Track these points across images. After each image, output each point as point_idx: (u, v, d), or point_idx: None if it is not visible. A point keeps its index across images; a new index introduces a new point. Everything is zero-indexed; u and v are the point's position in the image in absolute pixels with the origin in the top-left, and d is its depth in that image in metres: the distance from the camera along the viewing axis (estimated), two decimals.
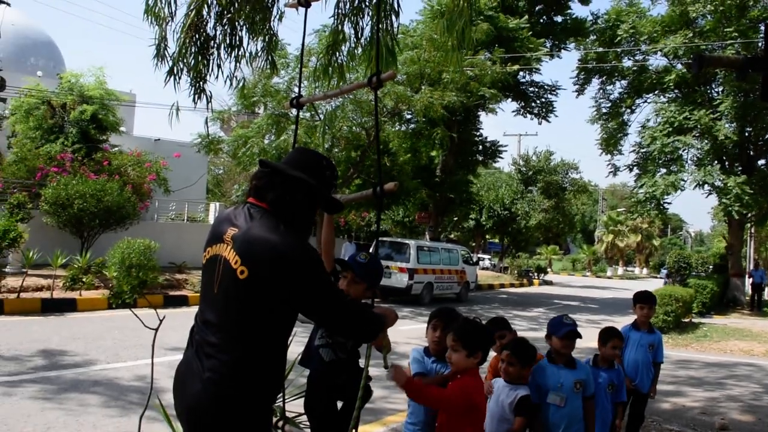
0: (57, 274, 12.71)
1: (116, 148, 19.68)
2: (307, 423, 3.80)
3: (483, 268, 35.13)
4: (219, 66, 4.65)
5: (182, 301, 13.76)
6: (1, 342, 8.44)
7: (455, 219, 36.15)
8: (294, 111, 3.57)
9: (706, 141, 21.53)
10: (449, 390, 3.11)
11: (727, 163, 22.49)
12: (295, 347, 3.62)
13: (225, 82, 4.67)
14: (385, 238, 20.83)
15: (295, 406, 4.01)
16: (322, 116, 17.55)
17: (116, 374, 7.24)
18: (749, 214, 22.57)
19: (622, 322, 7.09)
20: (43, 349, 8.19)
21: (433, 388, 3.10)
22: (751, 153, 22.80)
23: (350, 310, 2.40)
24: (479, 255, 38.51)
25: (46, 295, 12.17)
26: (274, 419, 3.87)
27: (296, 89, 16.20)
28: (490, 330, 3.42)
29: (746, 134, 22.07)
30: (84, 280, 12.40)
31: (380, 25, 4.02)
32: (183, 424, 2.32)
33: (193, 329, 2.37)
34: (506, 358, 3.63)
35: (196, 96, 4.70)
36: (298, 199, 2.36)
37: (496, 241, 45.67)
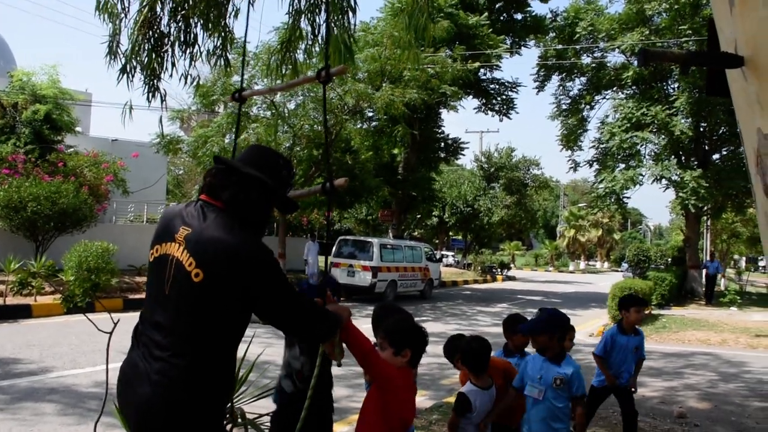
0: (9, 279, 12.35)
1: (71, 149, 19.20)
2: (268, 425, 3.75)
3: (446, 265, 35.30)
4: (173, 64, 4.55)
5: (142, 305, 13.42)
6: None
7: (418, 216, 36.27)
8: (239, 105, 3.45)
9: (663, 136, 21.95)
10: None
11: (683, 157, 22.97)
12: (254, 348, 3.57)
13: (180, 80, 4.57)
14: (348, 237, 20.79)
15: (255, 408, 3.95)
16: (274, 114, 17.44)
17: (74, 381, 7.06)
18: (705, 208, 23.09)
19: (584, 315, 7.19)
20: None
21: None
22: (706, 148, 23.34)
23: (305, 309, 2.34)
24: (443, 252, 38.72)
25: None
26: (231, 421, 3.81)
27: (255, 87, 16.05)
28: (420, 330, 3.06)
29: (701, 129, 22.58)
30: (33, 284, 12.06)
31: (336, 22, 3.97)
32: (130, 425, 2.25)
33: (137, 329, 2.30)
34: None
35: (150, 94, 4.59)
36: (253, 198, 2.31)
37: (459, 237, 46.00)
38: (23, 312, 11.59)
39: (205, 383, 2.14)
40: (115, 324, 3.28)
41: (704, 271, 24.10)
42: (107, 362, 3.47)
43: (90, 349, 8.67)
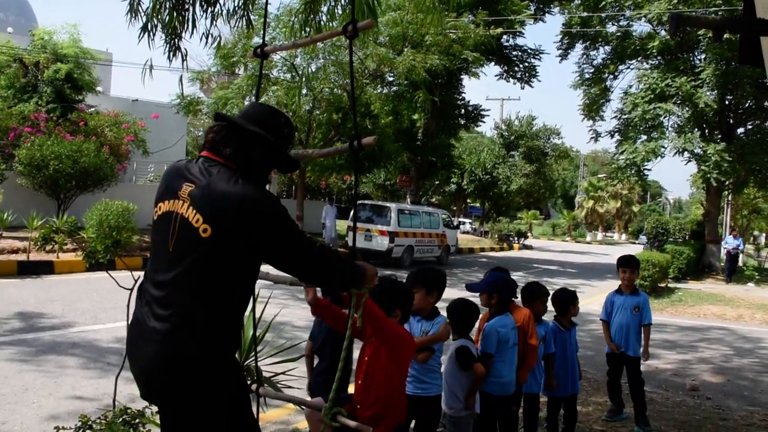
0: (32, 236, 12.56)
1: (92, 109, 19.30)
2: (286, 383, 3.83)
3: (463, 232, 35.30)
4: (194, 23, 4.51)
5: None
6: None
7: (436, 183, 36.17)
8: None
9: (687, 108, 21.58)
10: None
11: (707, 130, 22.61)
12: (271, 308, 3.63)
13: (200, 39, 4.54)
14: (366, 201, 20.82)
15: (272, 367, 4.02)
16: (300, 76, 17.35)
17: (95, 336, 7.22)
18: (727, 182, 22.79)
19: (600, 286, 7.19)
20: (20, 312, 8.13)
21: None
22: (731, 121, 22.94)
23: (319, 256, 2.30)
24: (460, 219, 38.67)
25: (22, 257, 12.04)
26: (249, 380, 3.89)
27: (285, 44, 15.95)
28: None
29: (726, 102, 22.16)
30: (56, 240, 12.24)
31: None
32: (139, 385, 2.27)
33: (141, 287, 2.31)
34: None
35: (171, 53, 4.57)
36: (256, 155, 2.30)
37: (477, 205, 45.85)
38: (46, 268, 11.82)
39: (211, 339, 2.15)
40: (136, 281, 3.33)
41: (724, 248, 23.37)
42: (128, 318, 3.52)
43: (110, 305, 8.84)
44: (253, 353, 4.05)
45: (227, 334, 2.22)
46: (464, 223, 40.38)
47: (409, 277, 3.67)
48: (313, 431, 3.45)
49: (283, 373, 4.03)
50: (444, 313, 3.75)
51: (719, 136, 22.15)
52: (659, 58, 23.00)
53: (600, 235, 59.43)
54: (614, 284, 5.61)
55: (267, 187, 2.42)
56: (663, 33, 22.15)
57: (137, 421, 3.30)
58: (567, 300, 4.77)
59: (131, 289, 3.35)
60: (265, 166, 2.36)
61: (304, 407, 3.27)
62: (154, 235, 2.32)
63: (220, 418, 2.24)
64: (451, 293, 4.23)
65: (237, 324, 2.29)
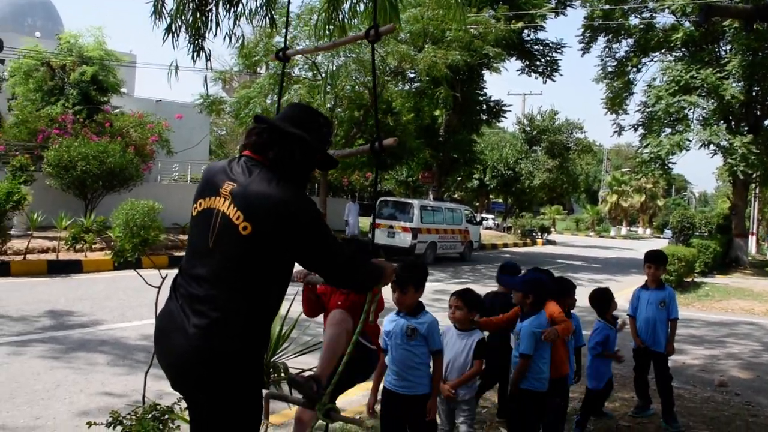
0: (62, 236, 12.78)
1: (118, 110, 19.58)
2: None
3: (486, 228, 35.17)
4: (218, 23, 4.56)
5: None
6: (9, 303, 8.55)
7: (459, 179, 36.07)
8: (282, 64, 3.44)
9: (712, 100, 21.28)
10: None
11: (733, 122, 22.26)
12: (297, 306, 3.66)
13: (224, 39, 4.61)
14: (388, 198, 20.86)
15: (297, 363, 4.06)
16: (324, 75, 17.40)
17: (123, 334, 7.32)
18: (754, 175, 22.42)
19: (624, 281, 7.14)
20: (50, 310, 8.28)
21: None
22: (758, 113, 22.54)
23: (351, 261, 2.41)
24: (483, 215, 38.54)
25: (51, 256, 12.25)
26: (275, 376, 3.93)
27: (298, 47, 16.01)
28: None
29: (753, 94, 21.78)
30: (86, 239, 12.46)
31: None
32: (169, 375, 2.31)
33: (176, 281, 2.34)
34: (454, 303, 3.92)
35: (195, 54, 4.63)
36: (298, 156, 2.35)
37: (500, 200, 45.68)
38: (74, 267, 12.02)
39: (243, 335, 2.19)
40: (163, 279, 3.39)
41: None
42: (155, 316, 3.59)
43: (137, 303, 8.96)
44: (281, 350, 4.11)
45: (262, 331, 2.28)
46: (487, 218, 40.21)
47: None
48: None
49: (309, 369, 4.06)
50: (428, 308, 3.73)
51: (746, 128, 21.80)
52: (683, 49, 22.70)
53: (624, 230, 58.85)
54: (639, 279, 5.58)
55: None
56: (687, 24, 21.86)
57: (166, 416, 3.35)
58: (607, 299, 5.05)
59: (159, 287, 3.41)
60: (306, 167, 2.42)
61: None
62: (193, 231, 2.36)
63: (252, 413, 2.29)
64: (476, 289, 4.23)
65: (268, 322, 2.34)
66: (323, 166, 2.58)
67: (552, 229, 41.53)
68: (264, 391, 3.06)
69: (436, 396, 3.60)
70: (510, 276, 4.61)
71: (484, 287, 4.31)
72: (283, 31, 17.19)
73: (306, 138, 2.36)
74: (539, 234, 35.13)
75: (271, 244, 2.19)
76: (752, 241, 31.68)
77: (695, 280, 17.30)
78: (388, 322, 3.64)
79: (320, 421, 2.84)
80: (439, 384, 3.68)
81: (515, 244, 31.12)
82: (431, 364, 3.59)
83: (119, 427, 3.25)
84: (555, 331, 3.94)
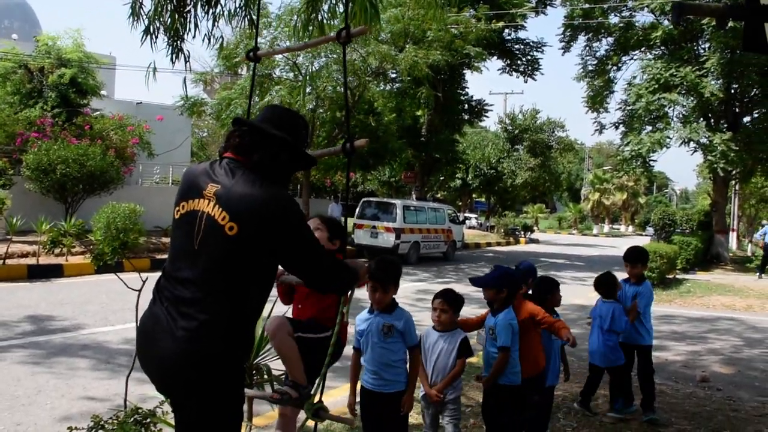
0: (42, 240, 12.63)
1: (97, 112, 19.38)
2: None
3: (470, 227, 35.28)
4: (196, 24, 4.55)
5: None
6: None
7: (441, 178, 36.15)
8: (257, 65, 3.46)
9: (692, 98, 21.47)
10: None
11: (712, 120, 22.49)
12: (280, 307, 3.65)
13: (203, 40, 4.59)
14: (371, 198, 20.85)
15: (280, 365, 4.03)
16: (304, 76, 17.36)
17: (105, 338, 7.26)
18: (734, 171, 22.64)
19: None
20: (30, 315, 8.19)
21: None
22: (737, 110, 22.79)
23: (329, 263, 2.43)
24: (466, 214, 38.65)
25: (32, 261, 12.12)
26: (258, 378, 3.92)
27: (275, 48, 15.95)
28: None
29: (732, 91, 22.03)
30: (64, 243, 12.34)
31: None
32: (154, 379, 2.30)
33: (159, 284, 2.32)
34: (439, 306, 3.89)
35: (174, 56, 4.61)
36: (282, 159, 2.38)
37: (483, 200, 45.83)
38: (55, 271, 11.90)
39: (231, 337, 2.19)
40: (144, 282, 3.37)
41: (761, 238, 20.93)
42: (137, 320, 3.55)
43: (119, 307, 8.89)
44: (264, 351, 4.10)
45: (247, 332, 2.29)
46: (470, 218, 40.36)
47: (373, 272, 3.51)
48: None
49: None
50: (411, 307, 3.75)
51: (725, 126, 22.03)
52: (663, 48, 22.90)
53: (606, 228, 59.30)
54: (621, 276, 5.62)
55: None
56: (666, 23, 22.04)
57: (148, 420, 3.33)
58: (613, 282, 5.29)
59: (139, 290, 3.39)
60: (290, 168, 2.46)
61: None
62: (176, 233, 2.34)
63: (237, 414, 2.29)
64: (459, 288, 4.25)
65: (253, 323, 2.34)
66: (304, 166, 2.61)
67: (535, 228, 41.78)
68: (248, 392, 3.06)
69: (412, 391, 3.58)
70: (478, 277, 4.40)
71: (467, 286, 4.30)
72: (264, 32, 17.19)
73: (289, 140, 2.38)
74: (522, 233, 35.32)
75: (256, 245, 2.19)
76: (733, 238, 32.05)
77: (677, 276, 17.46)
78: (362, 321, 3.63)
79: (308, 422, 2.85)
80: (416, 379, 3.66)
81: (498, 243, 31.25)
82: (407, 359, 3.61)
83: (101, 431, 3.22)
84: (570, 334, 4.01)
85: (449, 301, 3.90)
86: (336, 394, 5.35)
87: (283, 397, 2.98)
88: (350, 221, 22.15)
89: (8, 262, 11.75)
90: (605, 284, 5.29)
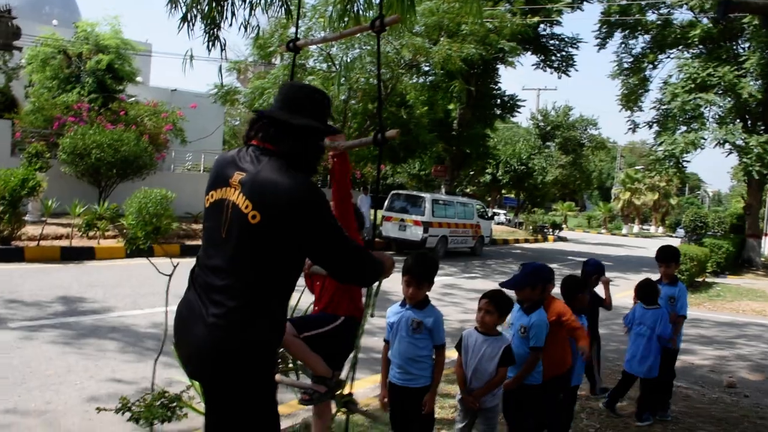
0: (75, 222, 12.87)
1: (132, 99, 19.66)
2: None
3: (498, 223, 35.09)
4: (233, 13, 4.58)
5: (198, 250, 13.83)
6: (23, 288, 8.63)
7: (471, 173, 35.97)
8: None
9: (729, 99, 21.07)
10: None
11: (749, 121, 22.04)
12: (307, 297, 3.68)
13: (239, 29, 4.61)
14: (400, 191, 20.83)
15: None
16: (339, 67, 17.38)
17: (133, 321, 7.38)
18: None
19: (635, 279, 7.08)
20: (62, 296, 8.36)
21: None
22: None
23: (356, 254, 2.40)
24: (494, 210, 38.45)
25: (65, 243, 12.36)
26: (283, 366, 3.96)
27: (312, 38, 15.99)
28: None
29: None
30: (99, 226, 12.55)
31: None
32: (188, 364, 2.35)
33: (193, 272, 2.36)
34: (485, 306, 3.71)
35: (210, 43, 4.65)
36: (310, 145, 2.37)
37: (512, 196, 45.51)
38: (87, 254, 12.12)
39: (259, 326, 2.20)
40: (175, 267, 3.42)
41: None
42: (167, 304, 3.63)
43: (149, 291, 9.03)
44: None
45: (273, 322, 2.28)
46: (499, 214, 40.13)
47: (405, 268, 3.56)
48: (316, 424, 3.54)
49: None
50: (438, 302, 3.74)
51: (762, 128, 21.59)
52: (701, 46, 22.49)
53: (636, 228, 58.51)
54: (650, 278, 5.56)
55: None
56: (705, 21, 21.64)
57: (174, 404, 3.38)
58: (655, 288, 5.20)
59: (170, 276, 3.44)
60: (318, 152, 2.43)
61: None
62: (207, 222, 2.36)
63: (268, 403, 2.30)
64: (486, 284, 4.23)
65: (283, 312, 2.34)
66: (328, 135, 2.58)
67: (563, 226, 41.38)
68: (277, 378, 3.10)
69: (435, 389, 3.57)
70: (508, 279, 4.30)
71: (494, 283, 4.27)
72: (295, 23, 17.23)
73: (315, 126, 2.36)
74: (551, 230, 35.00)
75: (280, 234, 2.18)
76: (766, 242, 31.37)
77: (707, 280, 17.19)
78: (393, 314, 3.63)
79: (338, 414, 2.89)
80: (440, 378, 3.63)
81: (526, 240, 31.04)
82: (434, 356, 3.59)
83: (128, 413, 3.28)
84: (586, 347, 4.03)
85: (496, 303, 3.72)
86: (361, 386, 5.38)
87: (312, 396, 3.01)
88: (379, 213, 22.20)
89: (42, 243, 12.00)
90: (647, 291, 5.18)
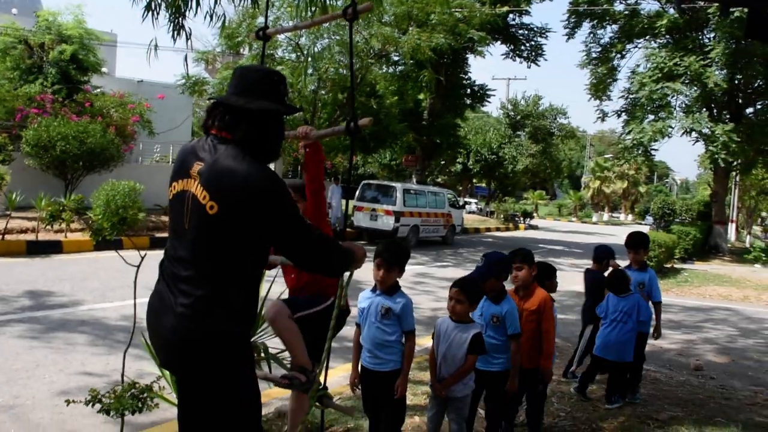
0: (41, 216, 12.64)
1: (98, 90, 19.30)
2: (289, 359, 3.88)
3: (469, 212, 35.30)
4: (198, 2, 4.52)
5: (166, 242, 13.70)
6: None
7: (442, 163, 36.10)
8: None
9: (695, 88, 21.41)
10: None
11: (715, 110, 22.43)
12: (277, 287, 3.67)
13: (205, 18, 4.55)
14: (371, 181, 20.82)
15: (276, 343, 4.06)
16: (307, 57, 17.28)
17: (103, 314, 7.29)
18: (735, 163, 22.63)
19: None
20: (29, 290, 8.21)
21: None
22: (740, 101, 22.74)
23: (320, 243, 2.36)
24: (466, 199, 38.66)
25: (31, 237, 12.13)
26: (255, 356, 3.94)
27: (286, 26, 15.86)
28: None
29: (736, 82, 21.92)
30: (64, 217, 12.33)
31: None
32: (160, 356, 2.34)
33: (162, 262, 2.35)
34: (455, 295, 3.67)
35: (176, 33, 4.59)
36: (270, 127, 2.31)
37: (483, 185, 45.84)
38: (54, 247, 11.91)
39: (226, 315, 2.19)
40: (142, 258, 3.38)
41: None
42: (135, 296, 3.59)
43: (118, 284, 8.92)
44: (260, 330, 4.12)
45: (243, 311, 2.26)
46: (470, 203, 40.37)
47: (377, 252, 3.57)
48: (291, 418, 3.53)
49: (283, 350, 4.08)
50: (410, 290, 3.75)
51: (728, 116, 21.98)
52: (667, 36, 22.79)
53: (606, 216, 59.35)
54: (621, 264, 5.65)
55: (272, 166, 2.43)
56: (671, 11, 21.91)
57: (145, 395, 3.35)
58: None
59: (138, 267, 3.40)
60: (279, 137, 2.38)
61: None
62: (171, 214, 2.34)
63: (238, 393, 2.28)
64: (457, 273, 4.26)
65: (252, 300, 2.32)
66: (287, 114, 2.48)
67: (534, 214, 41.79)
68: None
69: (406, 375, 3.58)
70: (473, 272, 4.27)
71: (466, 271, 4.29)
72: (265, 12, 17.07)
73: (272, 108, 2.30)
74: (522, 219, 35.33)
75: (239, 223, 2.16)
76: (732, 229, 32.09)
77: (675, 266, 17.52)
78: (363, 299, 3.66)
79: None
80: (410, 364, 3.65)
81: (498, 229, 31.29)
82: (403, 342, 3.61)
83: (98, 405, 3.24)
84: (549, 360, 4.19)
85: (466, 292, 3.66)
86: (332, 374, 5.38)
87: (292, 382, 3.00)
88: (351, 204, 22.18)
89: (7, 237, 11.76)
90: (617, 281, 5.22)
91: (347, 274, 2.88)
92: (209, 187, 2.16)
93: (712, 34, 21.87)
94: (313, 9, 4.70)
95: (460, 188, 42.60)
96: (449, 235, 21.06)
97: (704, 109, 21.81)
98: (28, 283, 8.72)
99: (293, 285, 3.59)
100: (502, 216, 34.05)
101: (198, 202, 2.18)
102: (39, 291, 8.24)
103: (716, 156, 20.39)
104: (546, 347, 4.13)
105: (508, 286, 4.14)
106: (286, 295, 3.69)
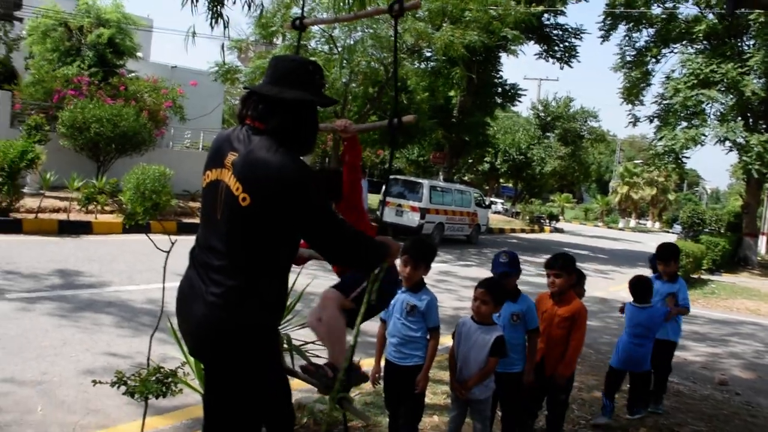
0: (73, 196, 12.85)
1: (133, 74, 19.51)
2: (314, 353, 3.90)
3: (495, 212, 35.10)
4: None
5: (195, 228, 13.59)
6: (20, 260, 8.64)
7: (470, 161, 35.96)
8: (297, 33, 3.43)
9: (731, 96, 21.03)
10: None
11: (751, 120, 22.01)
12: (302, 279, 3.69)
13: (243, 7, 4.59)
14: (398, 176, 20.81)
15: (300, 335, 4.09)
16: (340, 50, 17.30)
17: (129, 296, 7.40)
18: None
19: (630, 273, 7.11)
20: (59, 269, 8.36)
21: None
22: None
23: (349, 236, 2.35)
24: (492, 199, 38.45)
25: (62, 216, 12.33)
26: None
27: (322, 18, 15.90)
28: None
29: None
30: (98, 200, 12.52)
31: None
32: (188, 343, 2.36)
33: (194, 250, 2.37)
34: (480, 296, 3.65)
35: (213, 20, 4.63)
36: (304, 117, 2.30)
37: (510, 185, 45.56)
38: (84, 228, 12.11)
39: (258, 306, 2.21)
40: (173, 244, 3.42)
41: None
42: (164, 280, 3.63)
43: (145, 267, 9.04)
44: (284, 321, 4.14)
45: (272, 302, 2.28)
46: (496, 203, 40.15)
47: (404, 248, 3.55)
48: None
49: (313, 342, 4.10)
50: (432, 288, 3.73)
51: (764, 126, 21.57)
52: (705, 42, 22.40)
53: (633, 222, 58.61)
54: (645, 272, 5.57)
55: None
56: (710, 16, 21.53)
57: (169, 380, 3.40)
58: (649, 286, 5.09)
59: (167, 252, 3.44)
60: (314, 127, 2.37)
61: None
62: (204, 202, 2.36)
63: (266, 383, 2.32)
64: (481, 273, 4.24)
65: (282, 292, 2.33)
66: (323, 106, 2.49)
67: (560, 217, 41.37)
68: None
69: (427, 370, 3.59)
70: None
71: (489, 271, 4.26)
72: (301, 2, 17.11)
73: (306, 98, 2.29)
74: (547, 221, 35.04)
75: (271, 215, 2.16)
76: (762, 241, 31.48)
77: (702, 277, 17.25)
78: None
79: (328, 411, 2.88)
80: (432, 360, 3.65)
81: (523, 230, 31.09)
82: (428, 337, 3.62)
83: (123, 387, 3.30)
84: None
85: (492, 293, 3.64)
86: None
87: (318, 371, 2.96)
88: (376, 198, 22.20)
89: (40, 216, 11.98)
90: (640, 287, 5.04)
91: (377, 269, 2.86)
92: (242, 178, 2.17)
93: (752, 41, 21.45)
94: (349, 1, 4.70)
95: (487, 188, 42.39)
96: (474, 234, 20.99)
97: (739, 118, 21.42)
98: (59, 262, 8.88)
99: (339, 269, 3.58)
100: (527, 217, 33.81)
101: (231, 194, 2.19)
102: (68, 270, 8.38)
103: (750, 166, 20.03)
104: (569, 354, 4.10)
105: (542, 289, 4.12)
106: (312, 288, 3.71)
